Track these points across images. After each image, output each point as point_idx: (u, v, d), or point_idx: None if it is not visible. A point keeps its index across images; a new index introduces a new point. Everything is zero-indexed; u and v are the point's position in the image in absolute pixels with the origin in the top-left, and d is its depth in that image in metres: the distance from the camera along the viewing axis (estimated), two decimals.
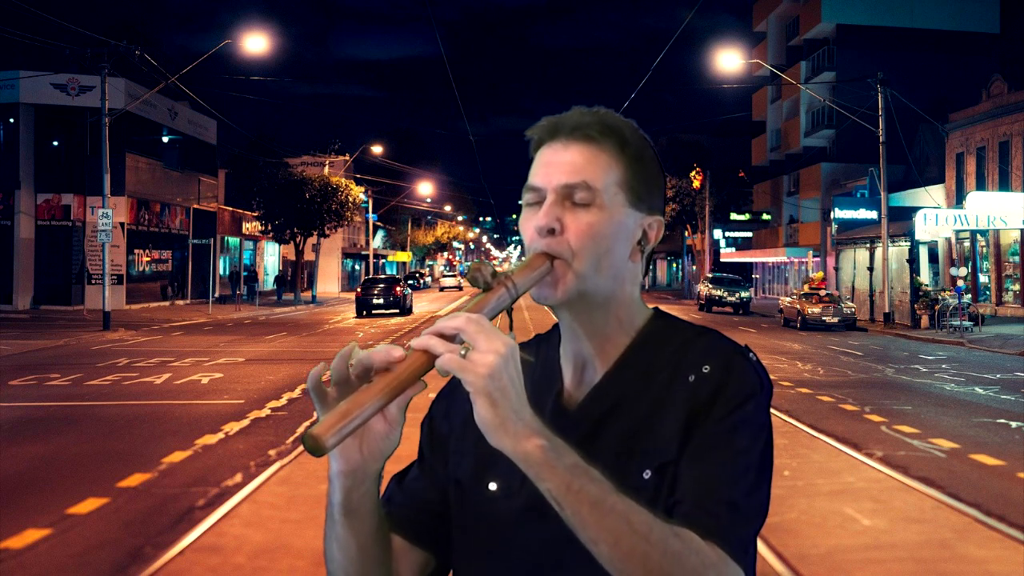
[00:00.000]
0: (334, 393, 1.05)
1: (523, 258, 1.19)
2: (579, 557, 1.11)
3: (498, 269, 1.12)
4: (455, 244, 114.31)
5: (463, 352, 1.00)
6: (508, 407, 1.00)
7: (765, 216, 55.96)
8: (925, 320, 27.35)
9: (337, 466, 1.11)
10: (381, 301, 33.38)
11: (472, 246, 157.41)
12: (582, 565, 1.11)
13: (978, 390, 13.62)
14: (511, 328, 1.15)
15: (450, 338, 1.02)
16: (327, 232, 44.79)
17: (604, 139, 1.18)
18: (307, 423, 10.01)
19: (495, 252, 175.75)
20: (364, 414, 1.00)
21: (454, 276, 76.00)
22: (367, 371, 1.05)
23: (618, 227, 1.18)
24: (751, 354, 1.18)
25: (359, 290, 34.92)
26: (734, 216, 57.66)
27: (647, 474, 1.12)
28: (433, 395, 1.34)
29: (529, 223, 1.18)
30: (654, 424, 1.14)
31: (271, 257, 56.50)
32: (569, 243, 1.15)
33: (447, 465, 1.27)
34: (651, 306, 1.27)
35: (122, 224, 32.31)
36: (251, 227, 48.75)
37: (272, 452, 8.46)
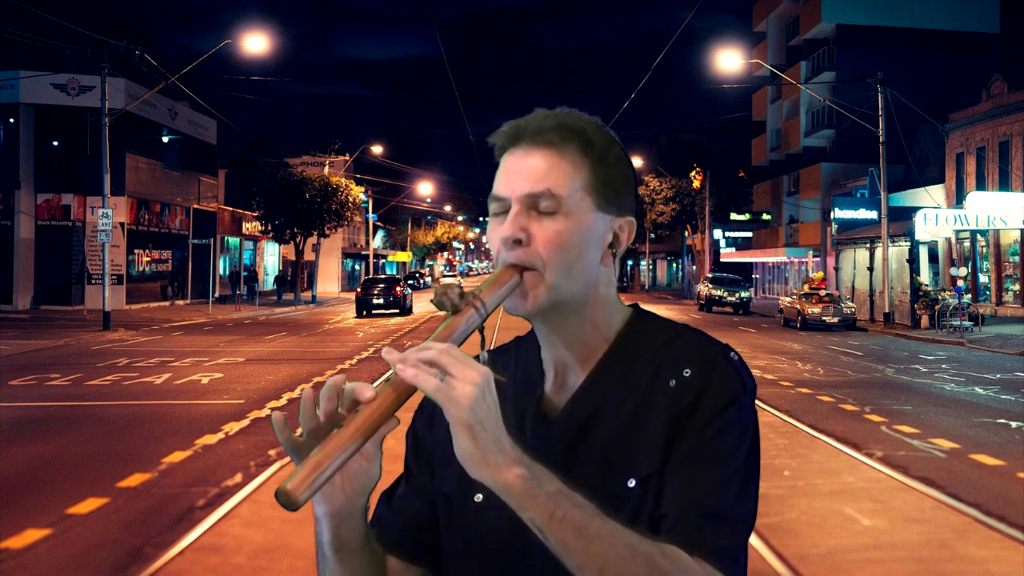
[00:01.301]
0: (305, 439, 1.03)
1: (492, 270, 1.17)
2: (568, 567, 1.11)
3: (465, 289, 1.10)
4: (455, 244, 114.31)
5: (441, 378, 0.99)
6: (488, 438, 0.99)
7: (765, 216, 55.94)
8: (925, 320, 27.35)
9: (321, 509, 1.10)
10: (381, 301, 33.40)
11: (472, 246, 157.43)
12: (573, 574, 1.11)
13: (978, 390, 13.62)
14: (483, 347, 1.14)
15: None
16: (327, 232, 44.79)
17: (565, 144, 1.16)
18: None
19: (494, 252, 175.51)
20: (336, 463, 0.98)
21: (454, 276, 76.02)
22: (335, 414, 1.03)
23: (587, 232, 1.15)
24: (732, 353, 1.16)
25: (359, 290, 34.93)
26: (734, 216, 57.64)
27: (631, 483, 1.10)
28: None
29: (496, 233, 1.16)
30: (636, 431, 1.13)
31: (271, 257, 56.50)
32: (539, 253, 1.13)
33: (433, 477, 1.25)
34: (629, 304, 1.25)
35: (122, 224, 32.30)
36: (251, 227, 48.75)
37: (272, 452, 8.46)
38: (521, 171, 1.16)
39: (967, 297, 26.64)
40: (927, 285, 29.48)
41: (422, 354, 1.00)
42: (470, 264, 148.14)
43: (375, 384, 1.02)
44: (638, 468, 1.11)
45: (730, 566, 1.06)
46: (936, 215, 29.84)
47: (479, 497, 1.18)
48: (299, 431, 1.04)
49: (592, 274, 1.17)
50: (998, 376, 15.47)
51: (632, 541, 1.00)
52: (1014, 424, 10.50)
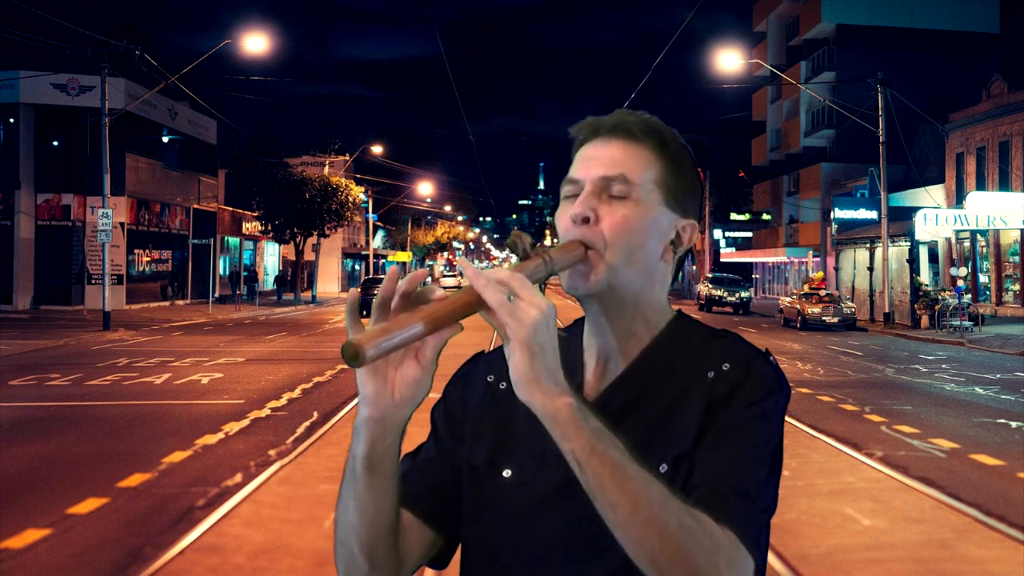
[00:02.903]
0: (374, 315, 1.05)
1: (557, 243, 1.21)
2: (592, 546, 1.12)
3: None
4: (455, 244, 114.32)
5: (508, 298, 1.01)
6: (544, 363, 1.01)
7: (765, 216, 55.95)
8: (925, 320, 27.35)
9: (367, 412, 1.10)
10: None
11: (472, 246, 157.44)
12: (595, 554, 1.12)
13: (978, 390, 13.62)
14: None
15: None
16: (327, 232, 44.78)
17: (645, 137, 1.21)
18: (307, 423, 10.01)
19: (495, 252, 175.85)
20: (405, 335, 0.99)
21: (454, 276, 76.00)
22: (408, 300, 1.05)
23: (652, 223, 1.20)
24: (771, 357, 1.20)
25: (359, 290, 34.93)
26: (734, 216, 57.65)
27: (663, 467, 1.13)
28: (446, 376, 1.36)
29: (565, 213, 1.20)
30: (672, 418, 1.16)
31: (271, 257, 56.49)
32: (603, 233, 1.17)
33: (462, 447, 1.28)
34: (674, 308, 1.29)
35: (122, 224, 32.30)
36: (251, 227, 48.74)
37: (272, 452, 8.46)
38: (598, 157, 1.21)
39: (967, 297, 26.64)
40: (927, 285, 29.48)
41: (494, 274, 1.03)
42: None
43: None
44: (670, 452, 1.14)
45: (753, 541, 1.07)
46: (936, 215, 29.84)
47: (507, 473, 1.21)
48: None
49: (651, 266, 1.21)
50: (998, 376, 15.47)
51: (666, 492, 1.02)
52: (1014, 424, 10.50)
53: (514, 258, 1.16)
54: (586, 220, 1.17)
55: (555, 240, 1.27)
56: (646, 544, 1.00)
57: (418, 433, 1.32)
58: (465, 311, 1.02)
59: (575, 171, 1.22)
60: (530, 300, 1.01)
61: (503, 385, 1.08)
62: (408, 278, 1.06)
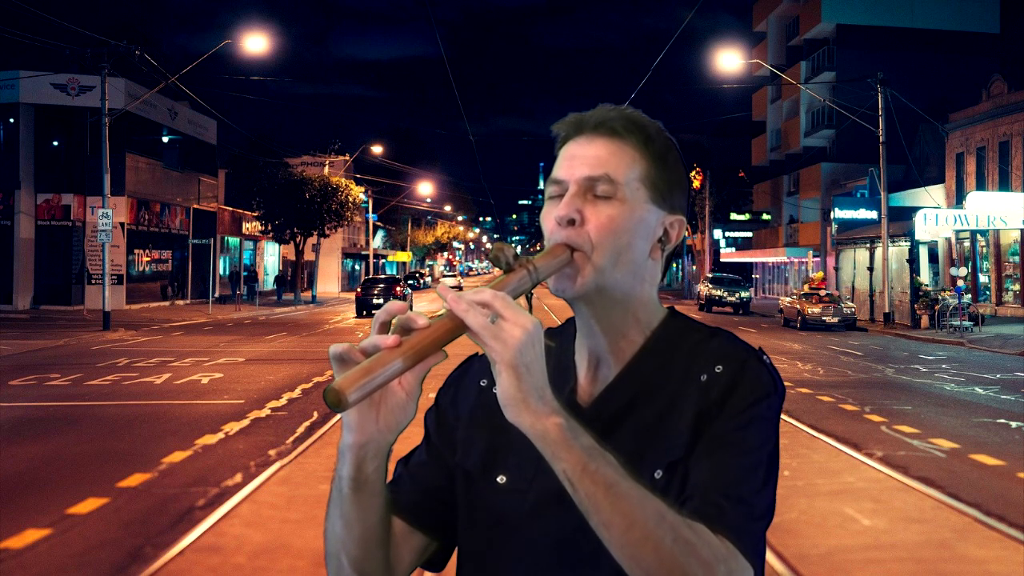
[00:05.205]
0: (358, 358, 1.03)
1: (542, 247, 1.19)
2: (587, 553, 1.11)
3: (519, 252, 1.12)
4: (455, 244, 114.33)
5: (492, 320, 1.00)
6: (531, 383, 1.00)
7: (765, 216, 55.96)
8: (925, 320, 27.35)
9: (351, 438, 1.10)
10: (381, 301, 33.35)
11: (472, 246, 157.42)
12: (589, 561, 1.11)
13: (978, 390, 13.62)
14: (530, 313, 1.16)
15: None
16: (327, 232, 44.76)
17: (628, 134, 1.19)
18: (307, 423, 10.01)
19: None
20: (386, 373, 0.98)
21: (454, 276, 76.08)
22: (387, 329, 1.04)
23: (639, 222, 1.18)
24: (765, 357, 1.18)
25: (359, 290, 34.97)
26: (734, 216, 57.68)
27: (658, 474, 1.12)
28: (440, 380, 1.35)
29: (550, 215, 1.19)
30: (666, 423, 1.14)
31: (271, 257, 56.48)
32: (589, 235, 1.15)
33: (455, 453, 1.26)
34: (666, 306, 1.27)
35: (122, 224, 32.30)
36: (251, 227, 48.73)
37: (272, 452, 8.46)
38: (582, 156, 1.19)
39: (967, 297, 26.64)
40: (927, 285, 29.48)
41: (476, 296, 1.01)
42: (470, 264, 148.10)
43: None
44: (665, 458, 1.13)
45: (751, 549, 1.06)
46: (936, 215, 29.84)
47: (502, 479, 1.20)
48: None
49: (639, 265, 1.19)
50: (998, 376, 15.47)
51: (660, 507, 1.01)
52: (1014, 424, 10.50)
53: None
54: (571, 222, 1.16)
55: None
56: (642, 561, 1.00)
57: (415, 434, 1.32)
58: (448, 338, 1.01)
59: (559, 170, 1.21)
60: (514, 320, 0.99)
61: (496, 390, 1.08)
62: (385, 309, 1.04)
